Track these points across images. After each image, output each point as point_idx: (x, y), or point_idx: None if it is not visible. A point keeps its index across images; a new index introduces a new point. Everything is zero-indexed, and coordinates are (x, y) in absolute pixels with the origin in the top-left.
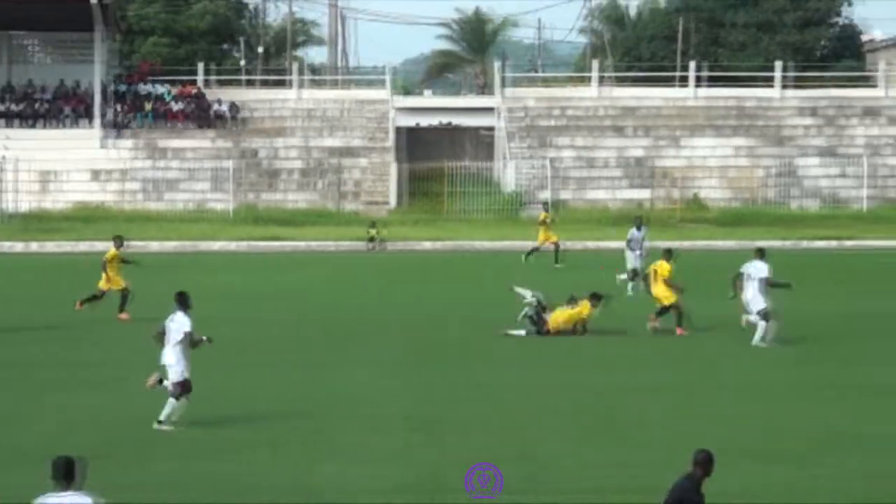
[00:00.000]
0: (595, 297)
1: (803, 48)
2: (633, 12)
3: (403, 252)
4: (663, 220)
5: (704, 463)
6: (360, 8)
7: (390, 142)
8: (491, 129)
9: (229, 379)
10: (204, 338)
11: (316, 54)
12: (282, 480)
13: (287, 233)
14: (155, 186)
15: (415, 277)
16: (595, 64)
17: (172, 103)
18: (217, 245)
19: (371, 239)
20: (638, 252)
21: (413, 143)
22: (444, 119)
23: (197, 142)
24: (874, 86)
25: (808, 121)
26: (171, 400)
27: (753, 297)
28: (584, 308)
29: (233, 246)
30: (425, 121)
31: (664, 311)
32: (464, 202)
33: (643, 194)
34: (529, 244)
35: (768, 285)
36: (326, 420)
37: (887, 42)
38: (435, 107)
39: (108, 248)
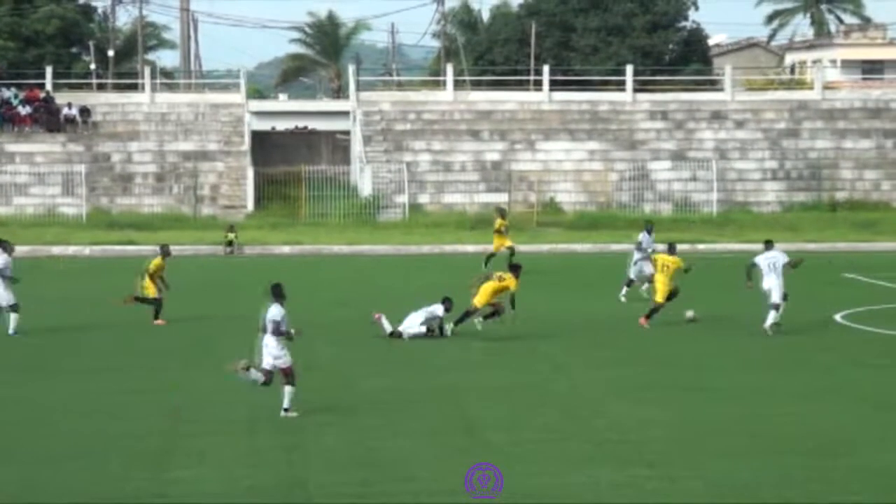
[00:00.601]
0: (514, 269)
1: (653, 52)
2: (485, 16)
3: (261, 256)
4: (521, 224)
5: None
6: (212, 11)
7: (246, 146)
8: (347, 132)
9: (80, 383)
10: (292, 330)
11: (168, 58)
12: (135, 486)
13: (143, 237)
14: (3, 191)
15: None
16: (449, 68)
17: (20, 107)
18: (71, 249)
19: (229, 243)
20: (642, 255)
21: (269, 147)
22: (300, 123)
23: (47, 146)
24: (721, 89)
25: (658, 125)
26: (288, 388)
27: (776, 286)
28: (509, 281)
29: (87, 251)
30: (281, 125)
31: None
32: (320, 206)
33: (500, 198)
34: (381, 248)
35: (792, 268)
36: (182, 424)
37: (732, 46)
38: (290, 111)
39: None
